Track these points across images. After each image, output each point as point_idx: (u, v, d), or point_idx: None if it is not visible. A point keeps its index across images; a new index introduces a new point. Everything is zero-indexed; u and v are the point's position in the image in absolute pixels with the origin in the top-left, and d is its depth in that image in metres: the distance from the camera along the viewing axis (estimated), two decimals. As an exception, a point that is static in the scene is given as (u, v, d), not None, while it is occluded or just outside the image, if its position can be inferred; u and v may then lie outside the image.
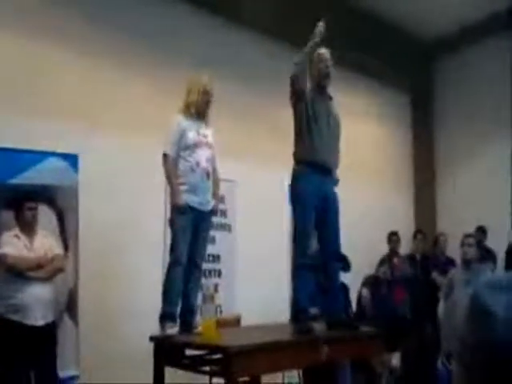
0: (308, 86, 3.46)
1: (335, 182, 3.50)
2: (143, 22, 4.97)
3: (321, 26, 3.27)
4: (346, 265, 4.32)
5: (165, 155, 3.39)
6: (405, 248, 6.69)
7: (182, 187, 3.37)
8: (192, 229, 3.39)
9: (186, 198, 3.35)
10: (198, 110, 3.49)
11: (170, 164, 3.38)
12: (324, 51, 3.49)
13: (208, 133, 3.54)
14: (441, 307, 4.49)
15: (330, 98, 3.56)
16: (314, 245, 3.45)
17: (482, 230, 6.20)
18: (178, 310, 3.41)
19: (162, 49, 5.06)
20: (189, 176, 3.39)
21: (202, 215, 3.44)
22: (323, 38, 3.26)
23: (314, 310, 3.71)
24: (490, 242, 6.21)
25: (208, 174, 3.47)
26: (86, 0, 4.65)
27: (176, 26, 5.19)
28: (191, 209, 3.36)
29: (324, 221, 3.37)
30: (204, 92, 3.49)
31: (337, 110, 3.60)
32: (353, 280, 4.99)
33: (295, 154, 3.41)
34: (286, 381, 4.63)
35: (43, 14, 4.35)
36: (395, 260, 5.82)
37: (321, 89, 3.48)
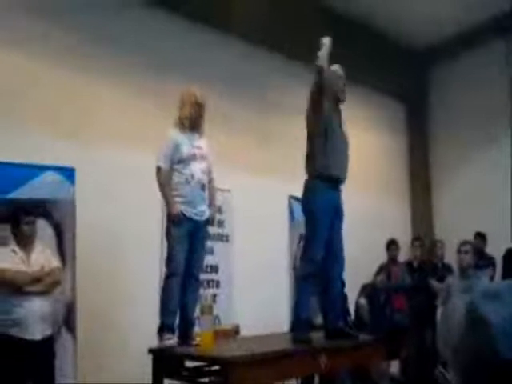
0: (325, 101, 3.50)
1: (341, 193, 3.56)
2: (138, 36, 5.01)
3: (325, 39, 3.36)
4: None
5: (158, 168, 3.41)
6: (402, 255, 6.69)
7: (177, 199, 3.38)
8: (188, 239, 3.39)
9: (182, 209, 3.36)
10: (192, 123, 3.51)
11: (163, 176, 3.41)
12: (337, 67, 3.55)
13: (202, 144, 3.56)
14: (439, 314, 4.49)
15: (340, 111, 3.61)
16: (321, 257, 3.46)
17: (481, 236, 6.20)
18: (177, 321, 3.40)
19: (156, 63, 5.09)
20: (184, 188, 3.41)
21: (198, 225, 3.45)
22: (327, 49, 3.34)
23: (314, 320, 3.71)
24: (487, 248, 6.23)
25: (203, 186, 3.49)
26: (76, 12, 4.66)
27: (169, 40, 5.23)
28: (187, 219, 3.37)
29: (332, 231, 3.41)
30: (197, 104, 3.51)
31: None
32: (350, 289, 4.99)
33: (309, 167, 3.43)
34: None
35: (37, 31, 4.37)
36: (393, 268, 5.83)
37: (337, 104, 3.53)
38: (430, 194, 7.95)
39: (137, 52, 4.99)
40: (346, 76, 3.60)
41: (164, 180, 3.41)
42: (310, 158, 3.44)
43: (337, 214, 3.47)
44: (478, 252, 5.76)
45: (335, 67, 3.55)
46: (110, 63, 4.82)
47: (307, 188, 3.43)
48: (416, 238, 6.82)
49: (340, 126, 3.53)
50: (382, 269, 5.91)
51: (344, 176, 3.52)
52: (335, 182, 3.45)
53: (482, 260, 5.05)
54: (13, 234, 3.57)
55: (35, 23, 4.36)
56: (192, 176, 3.42)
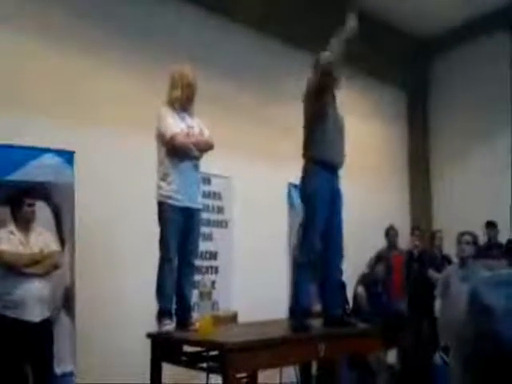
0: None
1: (339, 179, 3.53)
2: (142, 21, 4.96)
3: (352, 21, 3.16)
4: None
5: (171, 137, 3.30)
6: (400, 245, 6.71)
7: (171, 186, 3.34)
8: (181, 224, 3.35)
9: (174, 196, 3.31)
10: (183, 105, 3.46)
11: (178, 140, 3.30)
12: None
13: (194, 123, 3.50)
14: (437, 304, 4.50)
15: (334, 97, 3.57)
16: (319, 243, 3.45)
17: (492, 225, 6.12)
18: (174, 306, 3.40)
19: (158, 48, 5.04)
20: (177, 168, 3.35)
21: (191, 212, 3.42)
22: (353, 34, 3.16)
23: (312, 307, 3.72)
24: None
25: (196, 166, 3.46)
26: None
27: (171, 24, 5.18)
28: (179, 208, 3.33)
29: (330, 218, 3.39)
30: (187, 85, 3.44)
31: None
32: (348, 277, 5.00)
33: (307, 153, 3.41)
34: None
35: (37, 12, 4.32)
36: (393, 255, 5.83)
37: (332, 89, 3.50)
38: (429, 184, 7.95)
39: (140, 37, 4.95)
40: (346, 65, 3.55)
41: (182, 140, 3.33)
42: (308, 144, 3.41)
43: (335, 200, 3.43)
44: (490, 241, 5.73)
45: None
46: (113, 48, 4.78)
47: (305, 173, 3.40)
48: (416, 228, 6.82)
49: (336, 110, 3.48)
50: (380, 257, 5.91)
51: (341, 161, 3.47)
52: (333, 168, 3.41)
53: (496, 249, 5.00)
54: (12, 216, 3.56)
55: (39, 7, 4.32)
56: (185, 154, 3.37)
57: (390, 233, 6.41)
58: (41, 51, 4.36)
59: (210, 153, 3.56)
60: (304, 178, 3.40)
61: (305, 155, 3.42)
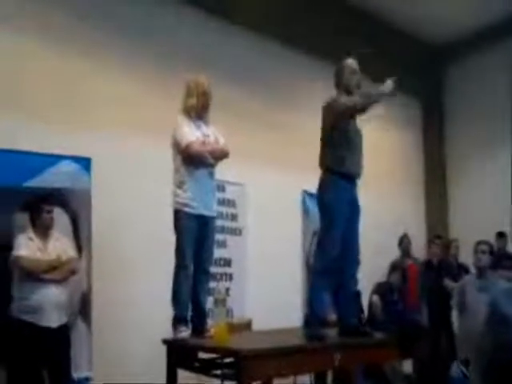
0: (336, 93, 3.48)
1: (357, 189, 3.54)
2: (142, 21, 4.95)
3: (390, 84, 3.27)
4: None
5: (187, 145, 3.33)
6: (414, 253, 6.64)
7: (187, 194, 3.36)
8: (197, 232, 3.37)
9: (190, 204, 3.33)
10: (198, 114, 3.50)
11: (194, 148, 3.33)
12: (352, 61, 3.52)
13: (209, 132, 3.53)
14: (454, 315, 4.44)
15: None
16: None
17: (502, 236, 6.12)
18: (190, 313, 3.41)
19: (158, 48, 5.00)
20: (192, 176, 3.37)
21: (206, 219, 3.44)
22: (391, 93, 3.27)
23: (328, 317, 3.70)
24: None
25: (211, 174, 3.48)
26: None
27: (179, 29, 5.20)
28: (195, 216, 3.35)
29: (347, 227, 3.39)
30: (203, 94, 3.48)
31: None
32: (363, 286, 4.97)
33: (324, 163, 3.42)
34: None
35: (37, 13, 4.32)
36: (408, 264, 5.77)
37: None
38: (445, 193, 7.87)
39: (140, 39, 4.90)
40: (362, 72, 3.55)
41: (198, 148, 3.36)
42: (325, 153, 3.42)
43: (353, 209, 3.44)
44: (499, 252, 5.69)
45: (350, 61, 3.51)
46: (113, 49, 4.75)
47: (322, 183, 3.41)
48: (437, 236, 6.74)
49: (354, 120, 3.50)
50: (395, 266, 5.86)
51: (359, 171, 3.49)
52: (351, 177, 3.43)
53: (506, 260, 4.96)
54: (31, 222, 3.60)
55: (39, 7, 4.31)
56: (201, 163, 3.39)
57: (404, 241, 6.36)
58: (41, 52, 4.33)
59: (224, 160, 3.58)
60: (321, 188, 3.41)
61: (322, 164, 3.43)
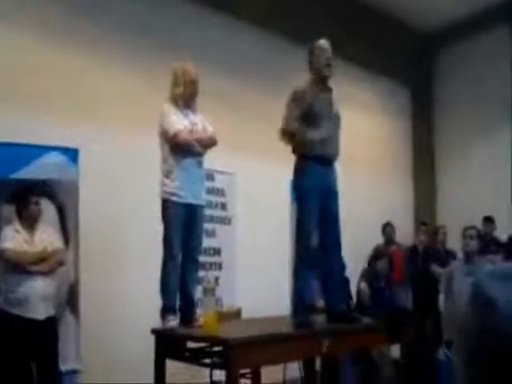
0: (309, 79, 3.46)
1: (336, 173, 3.51)
2: (145, 19, 4.96)
3: None
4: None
5: (175, 134, 3.30)
6: (403, 239, 6.69)
7: (174, 183, 3.34)
8: (185, 222, 3.36)
9: (178, 193, 3.32)
10: (186, 102, 3.46)
11: (182, 137, 3.30)
12: (324, 42, 3.47)
13: (197, 120, 3.50)
14: (441, 299, 4.49)
15: (330, 90, 3.54)
16: (316, 238, 3.45)
17: (489, 221, 6.15)
18: (178, 302, 3.41)
19: (160, 44, 5.04)
20: (180, 165, 3.35)
21: (194, 208, 3.42)
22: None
23: (315, 303, 3.72)
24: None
25: (200, 163, 3.46)
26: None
27: (176, 23, 5.17)
28: (183, 205, 3.33)
29: (326, 214, 3.37)
30: (190, 82, 3.44)
31: (336, 100, 3.59)
32: (352, 272, 5.00)
33: (297, 149, 3.39)
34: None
35: (36, 9, 4.31)
36: (393, 250, 5.81)
37: (322, 80, 3.47)
38: (433, 179, 7.93)
39: (142, 34, 4.94)
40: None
41: (186, 137, 3.33)
42: (297, 141, 3.39)
43: (329, 195, 3.40)
44: (487, 236, 5.75)
45: (321, 42, 3.46)
46: (117, 45, 4.77)
47: (296, 169, 3.39)
48: (423, 223, 6.79)
49: (328, 102, 3.45)
50: (379, 252, 5.87)
51: (333, 155, 3.45)
52: (323, 162, 3.38)
53: (493, 245, 5.01)
54: (17, 214, 3.57)
55: (39, 4, 4.32)
56: (189, 151, 3.36)
57: (387, 229, 6.38)
58: (40, 48, 4.34)
59: (213, 149, 3.56)
60: (295, 174, 3.39)
61: (295, 151, 3.41)
